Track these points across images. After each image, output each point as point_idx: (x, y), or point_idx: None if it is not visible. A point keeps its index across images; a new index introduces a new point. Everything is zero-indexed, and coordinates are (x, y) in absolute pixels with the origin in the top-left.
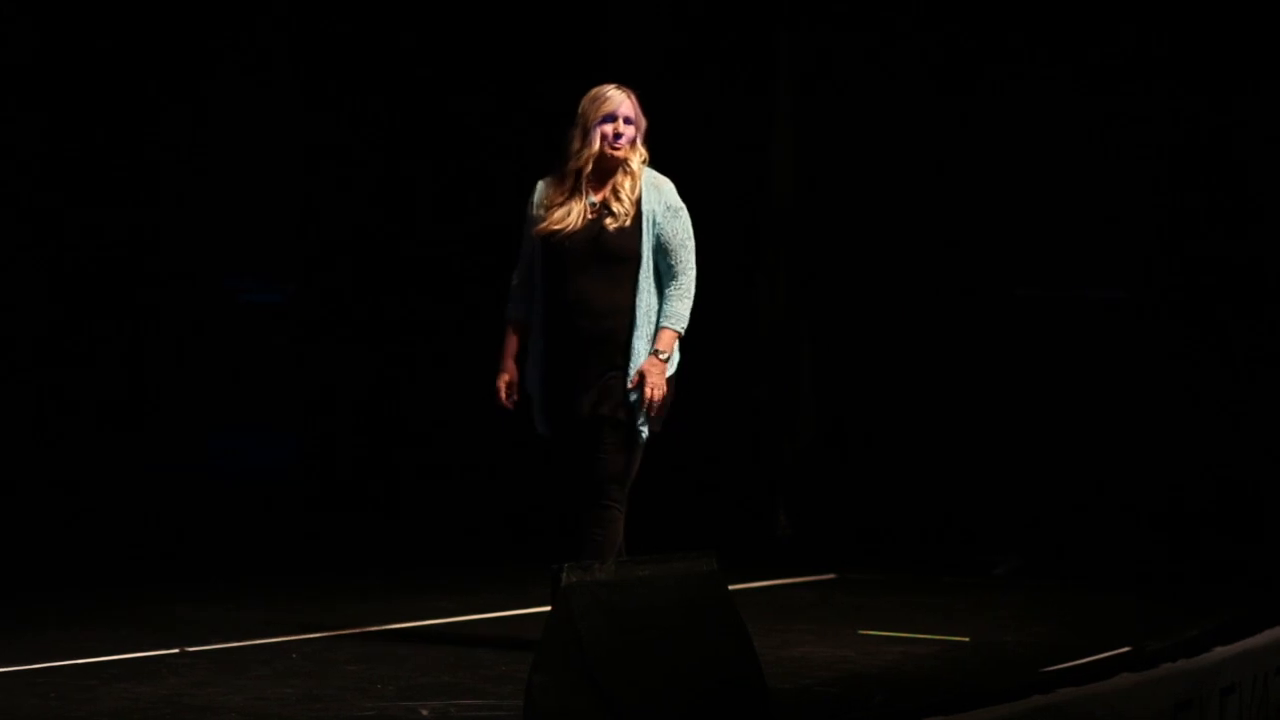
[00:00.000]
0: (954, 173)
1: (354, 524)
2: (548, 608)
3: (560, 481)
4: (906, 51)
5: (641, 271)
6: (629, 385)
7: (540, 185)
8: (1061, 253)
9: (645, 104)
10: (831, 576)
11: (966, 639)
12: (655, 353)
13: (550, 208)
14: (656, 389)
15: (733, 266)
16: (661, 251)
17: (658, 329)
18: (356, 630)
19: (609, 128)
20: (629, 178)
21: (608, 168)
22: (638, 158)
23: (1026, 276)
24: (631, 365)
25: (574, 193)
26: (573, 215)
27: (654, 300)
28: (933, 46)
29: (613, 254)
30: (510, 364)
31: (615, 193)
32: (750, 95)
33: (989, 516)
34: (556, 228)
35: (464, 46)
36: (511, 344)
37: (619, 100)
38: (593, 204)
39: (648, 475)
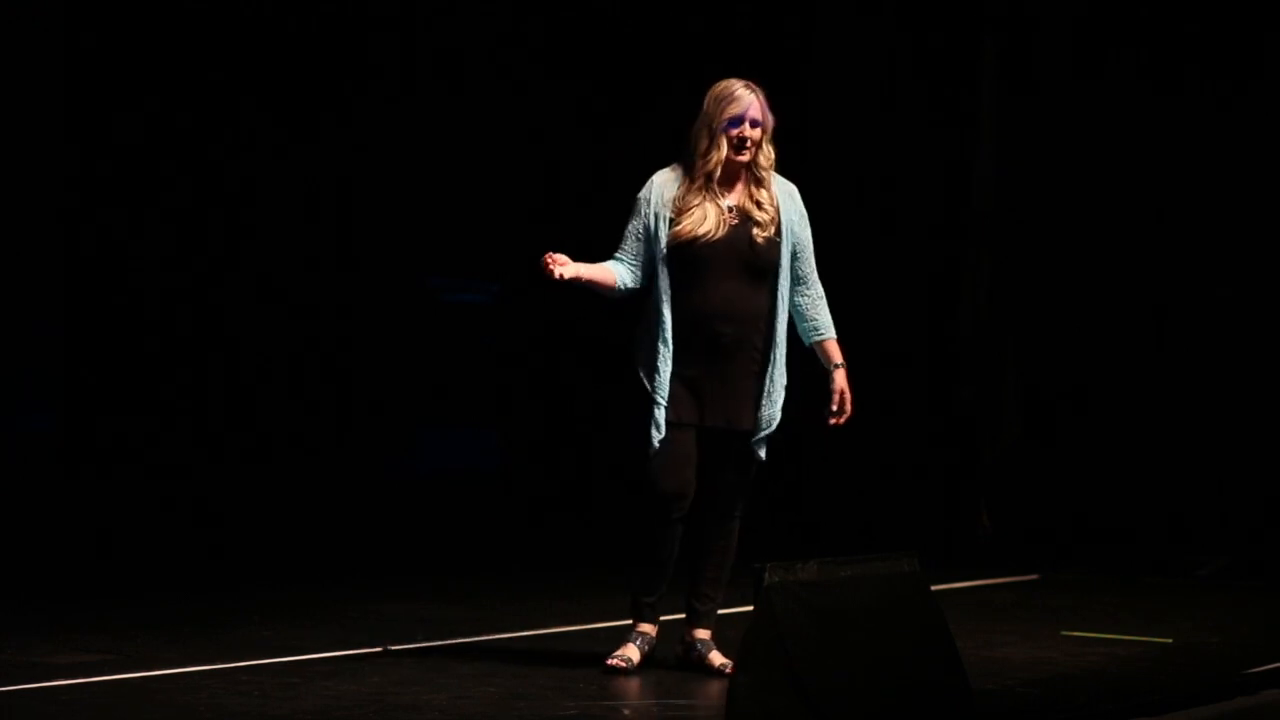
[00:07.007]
0: (1159, 171)
1: (556, 524)
2: (749, 608)
3: (671, 481)
4: (1112, 52)
5: (781, 280)
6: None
7: (660, 181)
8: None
9: (851, 107)
10: (1034, 577)
11: (1170, 640)
12: (840, 366)
13: (681, 210)
14: (850, 400)
15: (936, 268)
16: (794, 259)
17: (820, 341)
18: (559, 629)
19: (735, 132)
20: (764, 185)
21: (735, 171)
22: (766, 160)
23: (1230, 276)
24: (774, 374)
25: (705, 196)
26: (710, 221)
27: (788, 308)
28: (1140, 47)
29: (758, 263)
30: (579, 265)
31: (755, 202)
32: (953, 97)
33: (1192, 517)
34: (700, 233)
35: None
36: (596, 267)
37: (747, 101)
38: (730, 209)
39: (853, 476)
